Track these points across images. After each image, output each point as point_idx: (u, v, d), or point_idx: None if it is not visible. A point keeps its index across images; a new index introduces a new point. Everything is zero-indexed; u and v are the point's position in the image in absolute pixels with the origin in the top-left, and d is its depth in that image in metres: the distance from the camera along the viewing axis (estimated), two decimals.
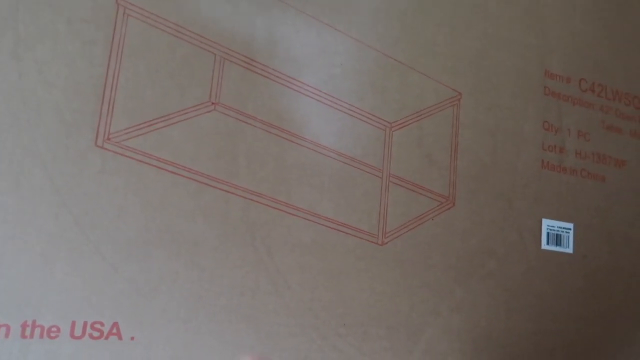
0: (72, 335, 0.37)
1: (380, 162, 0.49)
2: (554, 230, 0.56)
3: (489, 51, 0.55)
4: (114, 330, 0.38)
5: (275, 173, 0.45)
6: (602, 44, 0.62)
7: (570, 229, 0.57)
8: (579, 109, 0.60)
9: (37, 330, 0.36)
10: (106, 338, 0.38)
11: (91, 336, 0.37)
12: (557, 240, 0.56)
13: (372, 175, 0.48)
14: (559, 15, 0.60)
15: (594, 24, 0.62)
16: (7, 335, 0.35)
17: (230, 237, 0.43)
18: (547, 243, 0.56)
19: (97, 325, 0.37)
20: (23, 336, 0.36)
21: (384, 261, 0.48)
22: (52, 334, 0.36)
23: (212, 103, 0.43)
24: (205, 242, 0.42)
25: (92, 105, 0.39)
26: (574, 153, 0.59)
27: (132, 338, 0.39)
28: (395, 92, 0.50)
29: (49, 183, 0.37)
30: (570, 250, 0.57)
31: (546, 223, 0.56)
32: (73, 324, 0.37)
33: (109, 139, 0.39)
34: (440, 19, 0.53)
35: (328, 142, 0.47)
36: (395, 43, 0.51)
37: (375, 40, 0.50)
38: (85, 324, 0.37)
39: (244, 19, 0.45)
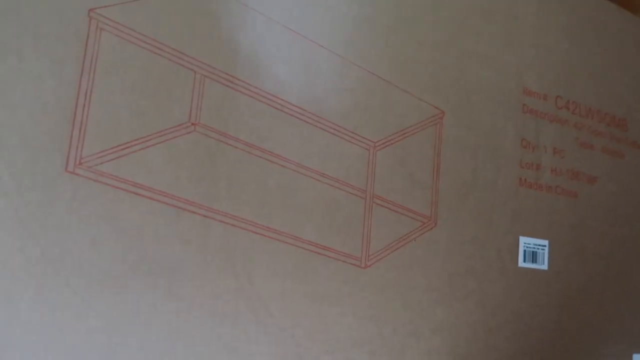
0: None
1: (364, 182, 0.48)
2: (530, 247, 0.57)
3: (469, 68, 0.55)
4: None
5: (257, 196, 0.43)
6: (577, 61, 0.63)
7: (545, 246, 0.58)
8: (555, 126, 0.61)
9: None
10: None
11: None
12: (533, 257, 0.57)
13: (355, 197, 0.47)
14: (536, 33, 0.60)
15: (570, 42, 0.63)
16: None
17: (210, 265, 0.41)
18: (524, 260, 0.56)
19: None
20: None
21: (367, 284, 0.47)
22: None
23: (192, 124, 0.40)
24: (183, 271, 0.40)
25: (62, 128, 0.36)
26: (549, 170, 0.59)
27: None
28: (379, 110, 0.49)
29: (12, 213, 0.34)
30: (545, 267, 0.58)
31: (523, 241, 0.56)
32: None
33: (80, 163, 0.36)
34: (423, 36, 0.53)
35: (311, 163, 0.45)
36: (379, 60, 0.50)
37: (359, 57, 0.49)
38: None
39: (225, 34, 0.42)
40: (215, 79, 0.42)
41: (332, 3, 0.48)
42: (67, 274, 0.35)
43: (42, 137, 0.35)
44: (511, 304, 0.55)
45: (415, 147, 0.51)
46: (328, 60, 0.47)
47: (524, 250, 0.56)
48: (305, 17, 0.46)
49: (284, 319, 0.43)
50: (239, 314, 0.42)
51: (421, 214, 0.50)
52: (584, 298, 0.60)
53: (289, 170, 0.44)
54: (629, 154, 0.66)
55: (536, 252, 0.57)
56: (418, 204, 0.50)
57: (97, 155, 0.37)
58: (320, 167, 0.46)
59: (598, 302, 0.60)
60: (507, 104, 0.57)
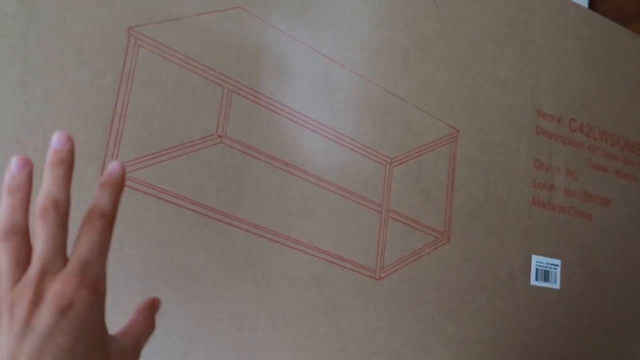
0: None
1: (380, 197, 0.49)
2: (542, 266, 0.58)
3: (485, 90, 0.57)
4: None
5: (277, 206, 0.45)
6: (591, 86, 0.65)
7: (557, 266, 0.59)
8: (569, 148, 0.62)
9: None
10: None
11: None
12: (545, 276, 0.58)
13: (371, 210, 0.49)
14: (551, 57, 0.62)
15: (584, 66, 0.64)
16: None
17: (232, 271, 0.42)
18: (536, 279, 0.57)
19: None
20: None
21: (381, 296, 0.48)
22: None
23: (219, 136, 0.43)
24: (206, 276, 0.42)
25: (100, 136, 0.39)
26: (562, 191, 0.61)
27: None
28: (396, 128, 0.51)
29: None
30: (557, 286, 0.58)
31: (535, 259, 0.57)
32: None
33: None
34: (440, 59, 0.55)
35: (330, 177, 0.47)
36: (397, 80, 0.52)
37: (378, 77, 0.51)
38: None
39: (253, 53, 0.45)
40: (241, 94, 0.44)
41: (353, 25, 0.50)
42: None
43: (82, 144, 0.38)
44: (522, 322, 0.55)
45: (430, 164, 0.53)
46: (349, 79, 0.49)
47: (536, 269, 0.57)
48: (328, 38, 0.49)
49: (300, 327, 0.45)
50: (258, 320, 0.43)
51: (435, 230, 0.52)
52: (595, 319, 0.60)
53: (308, 183, 0.46)
54: None
55: (548, 271, 0.58)
56: (432, 219, 0.52)
57: (130, 162, 0.39)
58: (338, 180, 0.48)
59: (610, 325, 0.61)
60: (521, 125, 0.59)
